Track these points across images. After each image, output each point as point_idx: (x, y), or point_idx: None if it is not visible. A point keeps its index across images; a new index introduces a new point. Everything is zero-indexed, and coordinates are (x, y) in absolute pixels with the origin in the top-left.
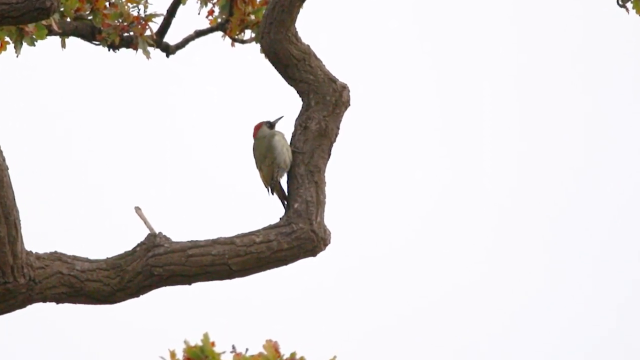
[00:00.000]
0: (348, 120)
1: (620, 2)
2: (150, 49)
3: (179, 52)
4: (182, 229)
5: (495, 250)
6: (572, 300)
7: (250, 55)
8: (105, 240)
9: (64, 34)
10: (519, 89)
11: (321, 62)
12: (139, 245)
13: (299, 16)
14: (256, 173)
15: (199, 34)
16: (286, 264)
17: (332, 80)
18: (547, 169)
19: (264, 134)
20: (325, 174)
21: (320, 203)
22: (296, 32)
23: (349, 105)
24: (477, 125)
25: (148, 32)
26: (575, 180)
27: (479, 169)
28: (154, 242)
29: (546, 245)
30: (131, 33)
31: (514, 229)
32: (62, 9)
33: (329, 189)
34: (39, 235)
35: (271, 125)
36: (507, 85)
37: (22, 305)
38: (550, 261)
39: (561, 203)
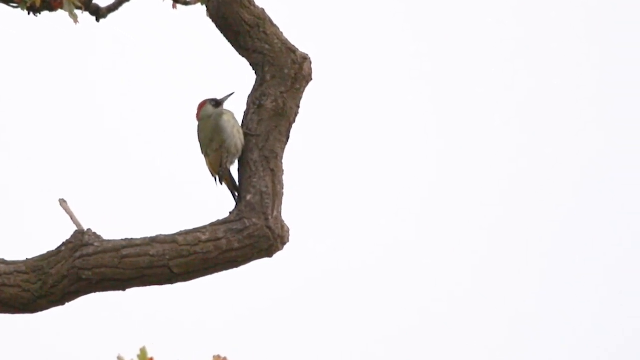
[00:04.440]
0: (310, 98)
1: None
2: (77, 12)
3: (110, 16)
4: (114, 225)
5: (493, 251)
6: (579, 308)
7: (194, 20)
8: (25, 238)
9: None
10: (520, 71)
11: (278, 29)
12: (64, 244)
13: None
14: (201, 159)
15: None
16: (237, 266)
17: (291, 50)
18: (551, 165)
19: (208, 113)
20: (283, 161)
21: (277, 194)
22: None
23: (311, 79)
24: (472, 111)
25: None
26: (583, 178)
27: (472, 160)
28: (81, 240)
29: (548, 248)
30: None
31: (513, 230)
32: None
33: (288, 178)
34: None
35: (217, 103)
36: (507, 66)
37: None
38: (553, 266)
39: (565, 204)
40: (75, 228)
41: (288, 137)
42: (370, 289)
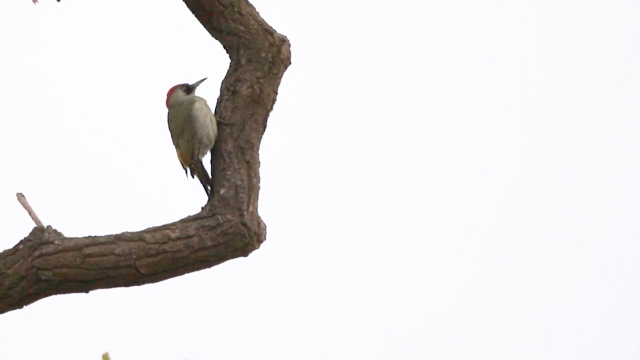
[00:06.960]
0: (288, 83)
1: None
2: None
3: None
4: (77, 222)
5: (496, 253)
6: (586, 309)
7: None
8: None
9: None
10: (534, 61)
11: (254, 8)
12: (22, 242)
13: None
14: (172, 150)
15: None
16: (210, 266)
17: (268, 31)
18: (557, 162)
19: (178, 100)
20: (260, 152)
21: (253, 188)
22: None
23: (290, 63)
24: (466, 103)
25: None
26: (590, 175)
27: (471, 154)
28: (41, 238)
29: (560, 249)
30: None
31: (514, 229)
32: None
33: (265, 171)
34: None
35: (188, 89)
36: (518, 54)
37: None
38: (558, 266)
39: (570, 203)
40: (34, 225)
41: (265, 126)
42: (356, 287)
